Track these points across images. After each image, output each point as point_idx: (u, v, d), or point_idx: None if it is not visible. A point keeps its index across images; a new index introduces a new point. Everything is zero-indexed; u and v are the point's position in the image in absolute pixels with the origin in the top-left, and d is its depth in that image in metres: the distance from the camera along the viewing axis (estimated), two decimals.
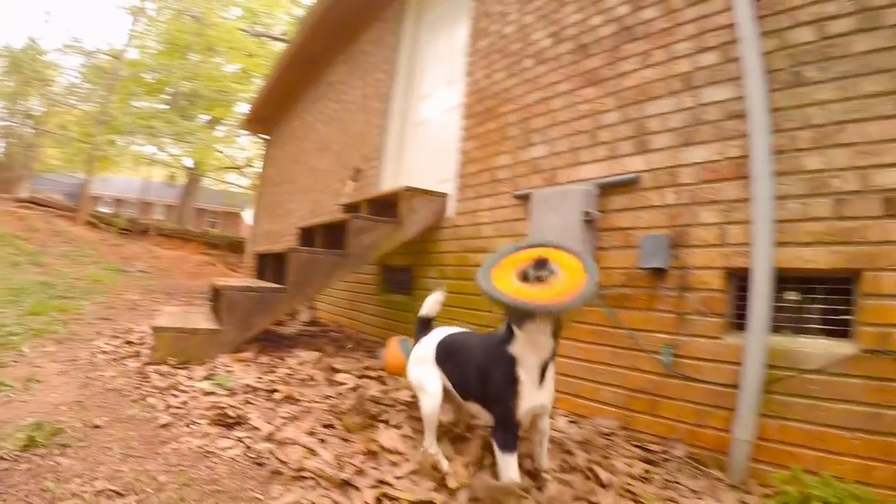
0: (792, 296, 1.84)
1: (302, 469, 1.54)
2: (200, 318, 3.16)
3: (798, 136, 1.84)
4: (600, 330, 2.34)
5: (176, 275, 11.09)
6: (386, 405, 2.21)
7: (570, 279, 1.41)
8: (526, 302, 1.38)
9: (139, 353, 2.87)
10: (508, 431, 1.49)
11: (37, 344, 2.95)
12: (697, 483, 1.71)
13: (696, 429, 1.95)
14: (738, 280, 1.94)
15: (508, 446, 1.48)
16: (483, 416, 1.65)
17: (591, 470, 1.69)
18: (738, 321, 1.91)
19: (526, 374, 1.48)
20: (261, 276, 4.10)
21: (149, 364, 2.61)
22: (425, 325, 2.04)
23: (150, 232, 15.59)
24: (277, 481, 1.50)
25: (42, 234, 10.40)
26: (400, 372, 2.76)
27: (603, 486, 1.59)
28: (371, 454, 1.69)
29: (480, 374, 1.60)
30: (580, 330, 2.41)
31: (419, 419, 1.78)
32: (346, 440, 1.81)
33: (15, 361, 2.54)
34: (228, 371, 2.55)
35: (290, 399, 2.24)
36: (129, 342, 3.20)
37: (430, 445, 1.69)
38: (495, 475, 1.52)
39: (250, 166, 21.63)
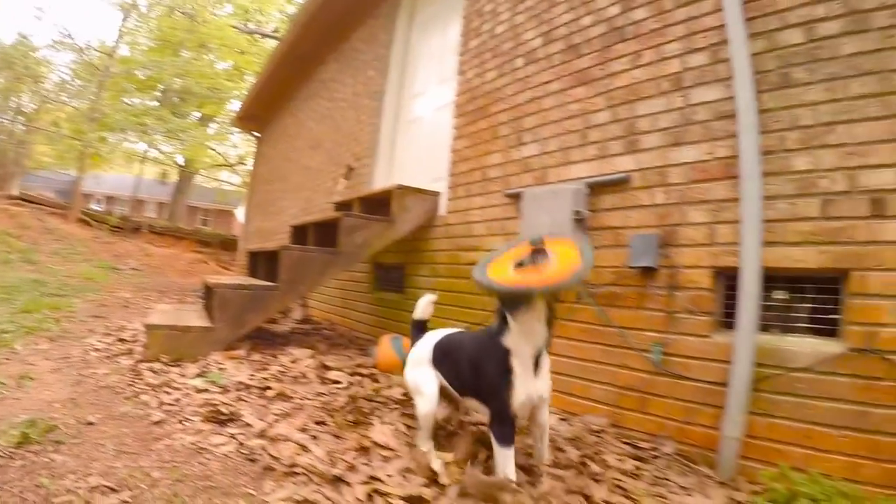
0: (780, 295, 1.87)
1: (294, 465, 1.55)
2: (193, 316, 3.16)
3: (786, 137, 1.85)
4: (591, 328, 2.36)
5: (168, 272, 11.06)
6: (378, 402, 2.22)
7: (564, 262, 1.42)
8: (520, 285, 1.39)
9: (132, 351, 2.87)
10: (505, 424, 1.50)
11: (29, 342, 2.94)
12: (687, 480, 1.73)
13: (685, 426, 1.97)
14: (727, 279, 1.96)
15: (506, 440, 1.49)
16: (482, 412, 1.66)
17: (583, 465, 1.71)
18: (727, 320, 1.93)
19: (520, 366, 1.49)
20: (253, 273, 4.09)
21: (142, 361, 2.61)
22: (420, 328, 2.04)
23: (143, 229, 15.54)
24: (270, 477, 1.50)
25: (34, 232, 10.31)
26: (392, 369, 2.77)
27: (596, 480, 1.61)
28: (363, 450, 1.70)
29: (474, 368, 1.61)
30: (571, 328, 2.43)
31: (411, 416, 1.79)
32: (337, 437, 1.82)
33: (7, 359, 2.53)
34: (221, 368, 2.56)
35: (282, 396, 2.25)
36: (121, 340, 3.20)
37: (423, 445, 1.70)
38: (488, 470, 1.53)
39: (242, 164, 21.56)
